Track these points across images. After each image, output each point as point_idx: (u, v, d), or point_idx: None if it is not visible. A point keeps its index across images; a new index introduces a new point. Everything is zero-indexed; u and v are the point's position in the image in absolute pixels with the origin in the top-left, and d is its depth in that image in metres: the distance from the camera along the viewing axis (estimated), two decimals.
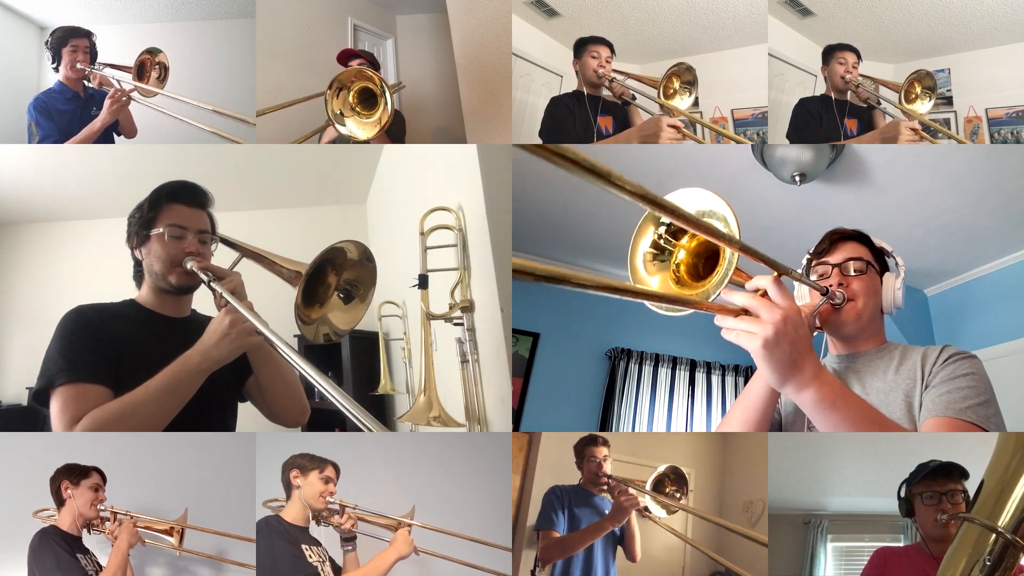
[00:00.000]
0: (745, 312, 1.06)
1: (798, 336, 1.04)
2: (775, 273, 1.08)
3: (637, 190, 0.79)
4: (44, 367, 1.50)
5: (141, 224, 1.62)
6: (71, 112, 2.27)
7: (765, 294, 1.07)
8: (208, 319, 1.74)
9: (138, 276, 1.68)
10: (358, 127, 1.99)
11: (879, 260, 1.51)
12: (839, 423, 1.09)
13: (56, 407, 1.47)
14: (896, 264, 1.52)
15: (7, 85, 2.67)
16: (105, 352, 1.52)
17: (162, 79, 2.26)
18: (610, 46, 2.32)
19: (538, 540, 2.08)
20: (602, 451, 2.11)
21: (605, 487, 2.08)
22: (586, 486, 2.13)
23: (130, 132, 2.35)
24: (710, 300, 1.00)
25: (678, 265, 1.07)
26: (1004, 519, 0.90)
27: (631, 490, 2.01)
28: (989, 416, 1.24)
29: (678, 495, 2.01)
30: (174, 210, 1.62)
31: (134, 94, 2.22)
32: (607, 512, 2.06)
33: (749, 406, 1.34)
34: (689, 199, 1.00)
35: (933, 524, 1.53)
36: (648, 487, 2.00)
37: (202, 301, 1.71)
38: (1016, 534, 0.90)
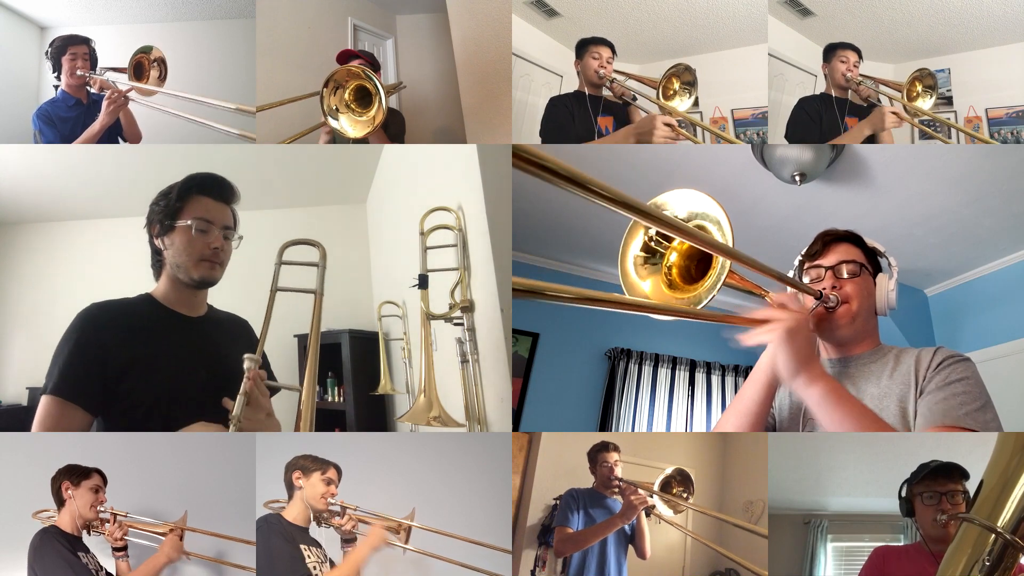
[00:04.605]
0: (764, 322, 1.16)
1: (809, 336, 1.20)
2: (790, 289, 1.18)
3: (618, 197, 0.79)
4: (49, 368, 1.52)
5: (167, 213, 1.61)
6: (74, 119, 2.28)
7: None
8: (227, 315, 1.76)
9: (156, 265, 1.67)
10: (350, 124, 1.99)
11: (872, 261, 1.49)
12: (843, 418, 1.16)
13: (38, 413, 1.49)
14: (889, 264, 1.50)
15: (7, 86, 2.67)
16: (102, 368, 1.51)
17: (162, 77, 2.26)
18: (611, 47, 2.32)
19: (554, 535, 2.20)
20: (613, 456, 2.21)
21: (616, 490, 2.18)
22: (599, 489, 2.23)
23: (133, 138, 2.35)
24: (702, 305, 1.00)
25: (670, 268, 1.07)
26: (1003, 519, 0.90)
27: (640, 490, 2.12)
28: (987, 421, 1.24)
29: (684, 495, 2.10)
30: (202, 203, 1.61)
31: (133, 94, 2.22)
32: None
33: (743, 409, 1.33)
34: (681, 200, 1.00)
35: (933, 524, 1.52)
36: (656, 488, 2.10)
37: (219, 296, 1.72)
38: (1015, 534, 0.89)
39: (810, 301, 1.39)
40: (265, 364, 1.73)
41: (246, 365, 1.43)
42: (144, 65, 2.24)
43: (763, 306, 1.25)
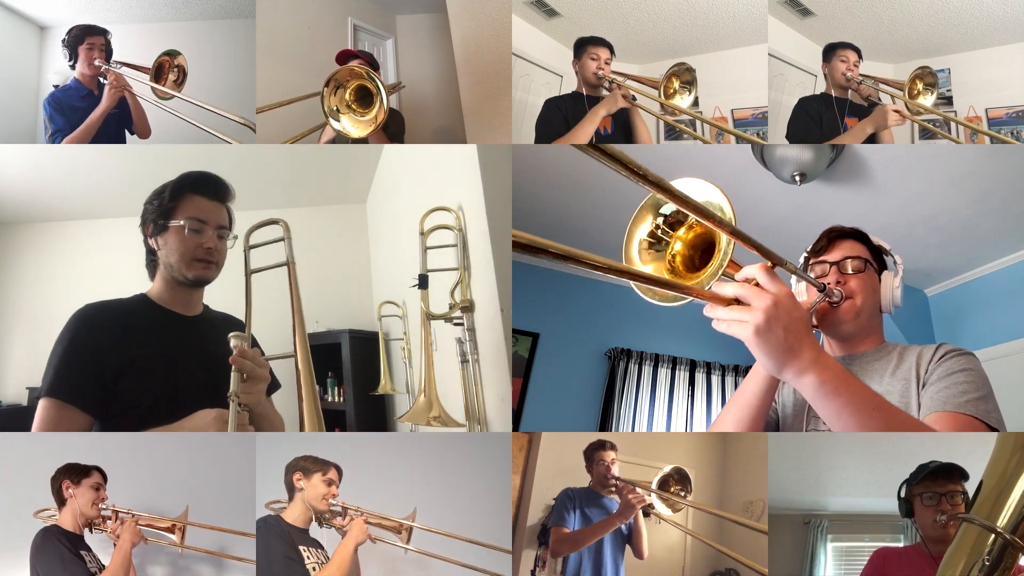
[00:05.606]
0: (736, 302, 1.01)
1: (792, 320, 0.99)
2: (766, 261, 1.04)
3: (647, 175, 0.80)
4: (45, 370, 1.51)
5: (160, 213, 1.60)
6: (84, 109, 2.27)
7: (756, 284, 1.03)
8: (222, 315, 1.75)
9: (151, 265, 1.66)
10: (352, 125, 1.99)
11: (877, 258, 1.50)
12: (842, 409, 1.03)
13: (36, 416, 1.48)
14: (895, 262, 1.51)
15: (7, 86, 2.67)
16: (99, 368, 1.50)
17: (180, 82, 2.25)
18: (610, 47, 2.32)
19: (550, 536, 2.16)
20: (610, 455, 2.18)
21: (613, 488, 2.15)
22: (596, 488, 2.20)
23: (143, 132, 2.35)
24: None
25: (674, 256, 1.06)
26: (1003, 519, 0.90)
27: (637, 489, 2.08)
28: (989, 411, 1.23)
29: (683, 494, 2.07)
30: (195, 202, 1.60)
31: (148, 93, 2.22)
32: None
33: (744, 403, 1.31)
34: (685, 188, 1.00)
35: (932, 525, 1.52)
36: (653, 487, 2.06)
37: (217, 295, 1.71)
38: (1015, 534, 0.89)
39: (814, 294, 1.38)
40: (255, 347, 1.73)
41: (233, 344, 1.44)
42: (165, 68, 2.24)
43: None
